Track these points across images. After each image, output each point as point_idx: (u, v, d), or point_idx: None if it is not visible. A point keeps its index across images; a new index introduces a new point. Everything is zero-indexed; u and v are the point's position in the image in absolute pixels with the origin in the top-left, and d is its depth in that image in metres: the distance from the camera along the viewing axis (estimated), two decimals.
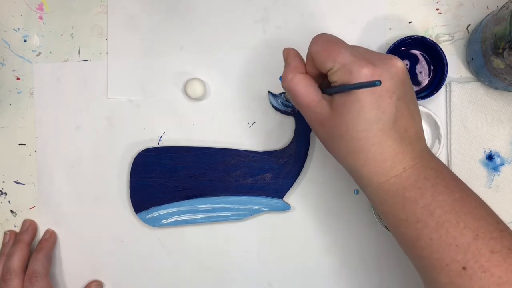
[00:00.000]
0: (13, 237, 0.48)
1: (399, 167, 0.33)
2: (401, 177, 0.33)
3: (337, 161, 0.36)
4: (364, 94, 0.32)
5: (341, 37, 0.47)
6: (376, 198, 0.35)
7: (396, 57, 0.33)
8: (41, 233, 0.49)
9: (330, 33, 0.36)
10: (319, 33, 0.36)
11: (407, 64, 0.46)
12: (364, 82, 0.31)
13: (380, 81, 0.29)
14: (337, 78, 0.33)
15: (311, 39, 0.35)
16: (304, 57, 0.37)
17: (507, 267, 0.30)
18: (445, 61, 0.43)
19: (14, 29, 0.50)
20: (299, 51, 0.47)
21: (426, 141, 0.46)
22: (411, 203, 0.33)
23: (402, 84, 0.33)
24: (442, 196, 0.32)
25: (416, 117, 0.34)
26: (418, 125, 0.35)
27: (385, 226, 0.44)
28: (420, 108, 0.44)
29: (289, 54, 0.36)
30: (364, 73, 0.31)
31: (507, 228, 0.32)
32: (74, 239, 0.49)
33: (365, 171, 0.34)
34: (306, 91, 0.34)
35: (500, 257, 0.30)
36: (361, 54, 0.33)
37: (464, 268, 0.31)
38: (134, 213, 0.48)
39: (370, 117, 0.32)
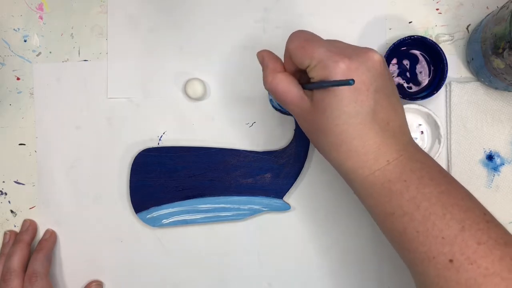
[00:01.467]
0: (13, 237, 0.48)
1: (382, 160, 0.33)
2: (385, 170, 0.33)
3: (323, 156, 0.37)
4: (341, 88, 0.32)
5: (341, 37, 0.47)
6: (362, 192, 0.35)
7: (373, 49, 0.34)
8: (41, 233, 0.49)
9: (307, 30, 0.36)
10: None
11: (407, 64, 0.46)
12: (338, 81, 0.32)
13: (353, 80, 0.30)
14: (315, 74, 0.33)
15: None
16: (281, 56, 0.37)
17: (493, 258, 0.30)
18: (445, 61, 0.43)
19: (14, 29, 0.50)
20: None
21: (426, 141, 0.46)
22: (397, 196, 0.33)
23: (380, 77, 0.33)
24: (428, 188, 0.32)
25: (398, 109, 0.35)
26: (401, 118, 0.35)
27: None
28: (420, 108, 0.44)
29: (264, 56, 0.37)
30: (340, 68, 0.32)
31: (494, 219, 0.33)
32: (74, 239, 0.49)
33: (349, 165, 0.34)
34: (288, 89, 0.35)
35: (486, 248, 0.30)
36: (337, 48, 0.33)
37: (451, 260, 0.31)
38: (134, 213, 0.48)
39: (348, 111, 0.32)
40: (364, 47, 0.34)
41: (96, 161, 0.49)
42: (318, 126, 0.34)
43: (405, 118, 0.35)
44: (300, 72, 0.37)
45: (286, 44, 0.35)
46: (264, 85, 0.36)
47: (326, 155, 0.36)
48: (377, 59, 0.33)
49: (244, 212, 0.47)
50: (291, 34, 0.36)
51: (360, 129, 0.33)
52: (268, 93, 0.46)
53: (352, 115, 0.32)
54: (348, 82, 0.30)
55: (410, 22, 0.47)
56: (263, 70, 0.37)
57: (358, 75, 0.32)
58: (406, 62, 0.46)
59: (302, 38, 0.35)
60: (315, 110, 0.34)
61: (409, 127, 0.37)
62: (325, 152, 0.36)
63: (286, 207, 0.47)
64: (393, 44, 0.44)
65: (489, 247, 0.30)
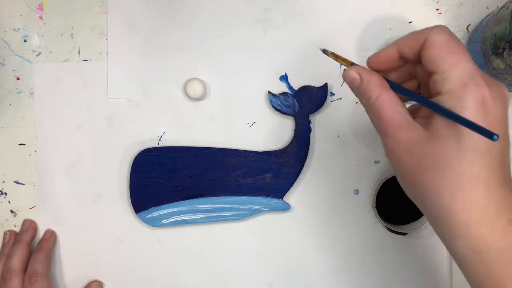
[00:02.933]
0: (13, 237, 0.48)
1: (503, 217, 0.27)
2: (507, 231, 0.26)
3: (419, 206, 0.29)
4: (476, 116, 0.26)
5: (341, 37, 0.47)
6: (470, 257, 0.27)
7: (503, 84, 0.28)
8: (41, 233, 0.49)
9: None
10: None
11: None
12: (479, 127, 0.25)
13: (498, 136, 0.24)
14: (445, 88, 0.27)
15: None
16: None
17: None
18: None
19: (14, 29, 0.50)
20: (300, 51, 0.47)
21: None
22: None
23: (507, 118, 0.28)
24: None
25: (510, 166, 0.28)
26: None
27: (386, 227, 0.44)
28: None
29: (361, 72, 0.30)
30: (482, 94, 0.26)
31: None
32: (74, 239, 0.49)
33: (463, 217, 0.27)
34: (395, 110, 0.28)
35: None
36: (478, 70, 0.28)
37: None
38: (134, 213, 0.48)
39: (479, 147, 0.26)
40: (495, 80, 0.28)
41: (96, 161, 0.49)
42: (432, 160, 0.27)
43: None
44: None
45: (423, 33, 0.29)
46: (366, 100, 0.30)
47: (431, 200, 0.28)
48: (508, 95, 0.28)
49: (244, 212, 0.47)
50: (439, 26, 0.29)
51: (487, 173, 0.26)
52: (269, 93, 0.46)
53: (482, 152, 0.26)
54: (491, 136, 0.24)
55: (410, 22, 0.47)
56: (361, 85, 0.30)
57: (495, 108, 0.26)
58: None
59: (450, 36, 0.28)
60: (432, 140, 0.27)
61: None
62: (431, 196, 0.28)
63: (286, 207, 0.47)
64: None
65: None
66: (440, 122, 0.27)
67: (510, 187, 0.27)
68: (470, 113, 0.26)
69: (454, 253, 0.28)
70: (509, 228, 0.26)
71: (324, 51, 0.35)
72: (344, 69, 0.32)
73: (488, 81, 0.27)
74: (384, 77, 0.31)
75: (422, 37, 0.28)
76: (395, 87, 0.30)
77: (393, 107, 0.28)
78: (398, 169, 0.29)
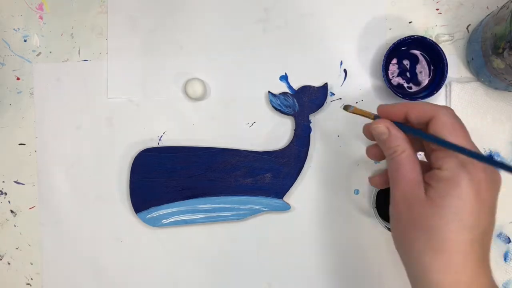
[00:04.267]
0: None
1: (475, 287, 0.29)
2: None
3: (402, 259, 0.33)
4: (469, 195, 0.29)
5: (341, 37, 0.47)
6: None
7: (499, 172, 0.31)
8: (41, 233, 0.49)
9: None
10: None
11: (407, 64, 0.46)
12: (482, 155, 0.29)
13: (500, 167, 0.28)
14: (446, 165, 0.30)
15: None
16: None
17: None
18: (445, 61, 0.43)
19: (14, 29, 0.50)
20: (300, 51, 0.47)
21: None
22: None
23: (496, 202, 0.31)
24: None
25: (489, 246, 0.31)
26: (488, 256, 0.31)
27: (386, 227, 0.44)
28: None
29: (390, 127, 0.33)
30: (475, 176, 0.29)
31: None
32: (74, 239, 0.49)
33: (439, 278, 0.29)
34: (413, 169, 0.32)
35: None
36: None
37: None
38: (134, 213, 0.48)
39: (466, 220, 0.29)
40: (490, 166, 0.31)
41: (96, 161, 0.49)
42: (425, 221, 0.30)
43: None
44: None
45: (433, 109, 0.32)
46: (390, 153, 0.33)
47: (413, 256, 0.31)
48: (500, 182, 0.31)
49: (244, 212, 0.47)
50: (444, 107, 0.32)
51: (469, 246, 0.29)
52: (269, 93, 0.46)
53: (467, 226, 0.29)
54: (491, 161, 0.28)
55: (410, 22, 0.47)
56: (388, 139, 0.33)
57: (487, 191, 0.30)
58: (406, 62, 0.46)
59: (457, 119, 0.32)
60: (428, 204, 0.30)
61: None
62: (414, 253, 0.31)
63: (286, 207, 0.47)
64: (393, 44, 0.44)
65: None
66: (436, 191, 0.30)
67: (485, 266, 0.30)
68: (464, 191, 0.29)
69: None
70: None
71: (346, 108, 0.36)
72: (370, 121, 0.35)
73: (485, 165, 0.30)
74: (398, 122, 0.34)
75: (431, 113, 0.32)
76: (405, 128, 0.33)
77: (412, 165, 0.32)
78: (395, 220, 0.32)
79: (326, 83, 0.46)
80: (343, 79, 0.47)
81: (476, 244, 0.29)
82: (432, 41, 0.44)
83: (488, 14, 0.42)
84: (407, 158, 0.32)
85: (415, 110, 0.33)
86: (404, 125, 0.33)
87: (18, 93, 0.50)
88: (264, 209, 0.47)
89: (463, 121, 0.46)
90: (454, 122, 0.31)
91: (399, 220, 0.32)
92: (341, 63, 0.47)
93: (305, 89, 0.46)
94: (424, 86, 0.46)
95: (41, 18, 0.49)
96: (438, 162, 0.31)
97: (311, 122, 0.46)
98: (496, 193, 0.31)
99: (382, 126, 0.33)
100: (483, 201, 0.29)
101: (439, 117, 0.31)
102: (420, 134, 0.32)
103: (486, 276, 0.30)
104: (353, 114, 0.36)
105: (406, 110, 0.33)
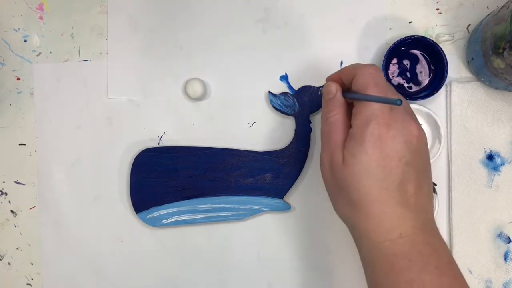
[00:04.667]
0: None
1: (396, 232, 0.32)
2: (395, 242, 0.32)
3: (338, 216, 0.36)
4: (373, 149, 0.32)
5: (341, 37, 0.47)
6: (366, 257, 0.34)
7: (417, 125, 0.34)
8: (41, 233, 0.49)
9: (381, 71, 0.35)
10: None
11: (407, 64, 0.46)
12: (384, 97, 0.32)
13: (401, 101, 0.30)
14: (354, 123, 0.34)
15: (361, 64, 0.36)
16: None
17: None
18: (445, 61, 0.43)
19: (14, 29, 0.50)
20: (300, 51, 0.47)
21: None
22: (396, 273, 0.32)
23: (415, 152, 0.33)
24: (429, 276, 0.31)
25: (425, 188, 0.34)
26: (425, 197, 0.34)
27: None
28: (420, 108, 0.44)
29: (338, 90, 0.37)
30: (374, 131, 0.32)
31: None
32: (74, 239, 0.49)
33: (363, 227, 0.33)
34: (341, 132, 0.35)
35: None
36: (387, 112, 0.33)
37: None
38: (134, 213, 0.48)
39: (376, 173, 0.32)
40: (411, 119, 0.34)
41: (96, 161, 0.49)
42: (343, 182, 0.34)
43: (430, 198, 0.35)
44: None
45: (357, 67, 0.35)
46: (325, 115, 0.37)
47: (342, 213, 0.36)
48: (416, 134, 0.33)
49: (244, 212, 0.47)
50: (367, 66, 0.35)
51: (384, 195, 0.32)
52: (269, 93, 0.46)
53: (379, 179, 0.32)
54: (395, 102, 0.30)
55: (410, 22, 0.47)
56: (330, 99, 0.37)
57: (393, 144, 0.32)
58: (406, 62, 0.46)
59: (375, 79, 0.34)
60: (345, 165, 0.34)
61: None
62: (341, 210, 0.36)
63: (286, 207, 0.47)
64: (393, 44, 0.44)
65: None
66: (349, 151, 0.33)
67: (411, 208, 0.33)
68: (368, 146, 0.32)
69: (360, 255, 0.35)
70: (398, 240, 0.32)
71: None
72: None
73: (393, 119, 0.33)
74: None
75: (353, 72, 0.35)
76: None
77: (341, 129, 0.35)
78: (324, 182, 0.37)
79: None
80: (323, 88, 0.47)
81: (394, 192, 0.32)
82: (432, 41, 0.44)
83: (488, 14, 0.42)
84: (338, 121, 0.35)
85: (344, 72, 0.37)
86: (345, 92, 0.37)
87: (18, 93, 0.50)
88: (264, 209, 0.47)
89: (463, 121, 0.46)
90: (369, 77, 0.34)
91: (327, 182, 0.36)
92: (341, 63, 0.47)
93: (305, 89, 0.46)
94: (424, 86, 0.46)
95: (41, 18, 0.49)
96: (351, 122, 0.34)
97: (311, 122, 0.46)
98: (405, 144, 0.32)
99: (333, 87, 0.37)
100: (389, 152, 0.32)
101: (357, 75, 0.34)
102: (346, 95, 0.36)
103: (413, 216, 0.33)
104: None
105: (339, 74, 0.37)
